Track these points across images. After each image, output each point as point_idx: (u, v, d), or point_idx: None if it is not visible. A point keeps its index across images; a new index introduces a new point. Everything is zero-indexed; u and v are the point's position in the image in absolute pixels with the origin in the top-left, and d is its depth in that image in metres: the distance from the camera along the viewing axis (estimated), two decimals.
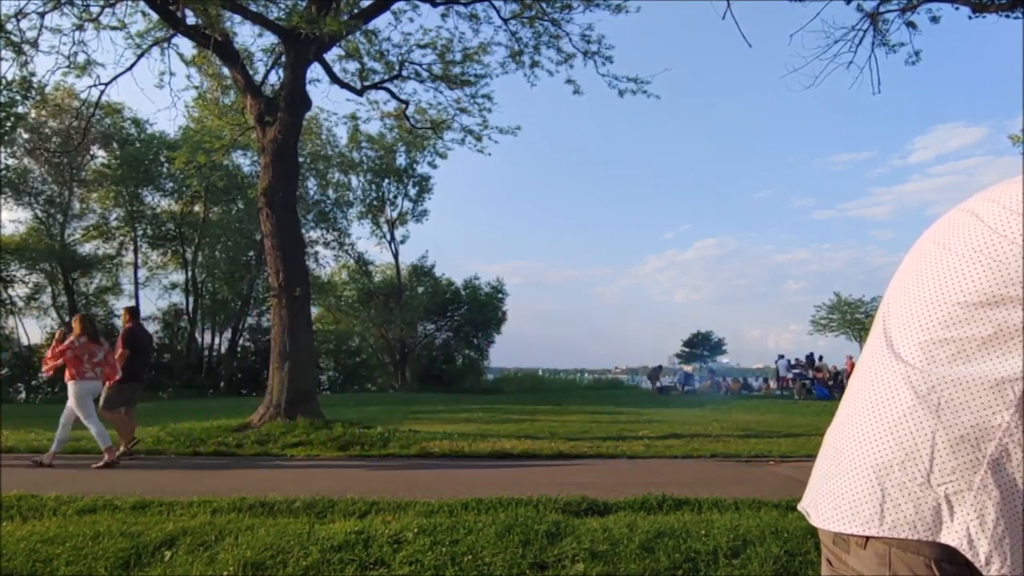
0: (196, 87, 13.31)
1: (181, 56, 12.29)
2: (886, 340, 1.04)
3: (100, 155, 26.49)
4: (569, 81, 12.72)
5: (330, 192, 28.96)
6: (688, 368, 35.03)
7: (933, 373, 0.95)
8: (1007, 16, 9.37)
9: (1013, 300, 0.90)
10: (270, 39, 11.88)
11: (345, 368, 32.25)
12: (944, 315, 0.96)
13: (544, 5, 11.68)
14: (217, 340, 29.73)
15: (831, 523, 1.01)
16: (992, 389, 0.89)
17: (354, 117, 16.42)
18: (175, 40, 11.49)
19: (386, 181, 29.11)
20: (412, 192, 29.54)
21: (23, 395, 24.72)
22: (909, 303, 1.03)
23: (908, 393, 0.97)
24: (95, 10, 10.41)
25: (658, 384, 26.89)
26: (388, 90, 12.98)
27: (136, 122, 26.32)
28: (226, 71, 11.97)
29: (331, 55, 11.98)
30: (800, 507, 1.13)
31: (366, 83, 12.59)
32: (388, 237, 29.57)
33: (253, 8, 10.54)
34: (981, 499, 0.89)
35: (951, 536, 0.89)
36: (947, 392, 0.93)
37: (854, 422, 1.04)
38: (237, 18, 10.83)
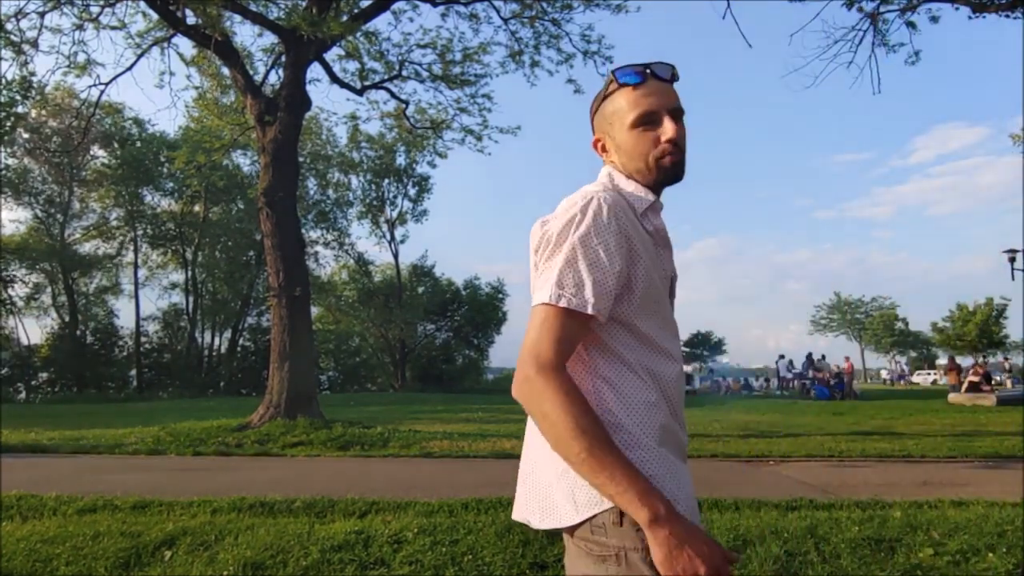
0: (196, 87, 13.32)
1: (181, 56, 12.29)
2: None
3: (100, 155, 26.52)
4: (569, 81, 12.74)
5: (330, 192, 28.98)
6: (688, 368, 35.04)
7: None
8: (1007, 16, 9.36)
9: None
10: (270, 39, 11.89)
11: (345, 368, 32.25)
12: None
13: (544, 5, 11.68)
14: (217, 340, 29.76)
15: (544, 522, 1.13)
16: None
17: (354, 117, 16.47)
18: (175, 40, 11.50)
19: (386, 181, 29.11)
20: (412, 192, 29.58)
21: (23, 395, 24.74)
22: None
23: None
24: (95, 10, 10.41)
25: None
26: (388, 90, 13.00)
27: (136, 122, 26.34)
28: (226, 71, 11.97)
29: (331, 55, 11.99)
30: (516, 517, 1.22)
31: (366, 83, 12.59)
32: (388, 237, 29.59)
33: (253, 8, 10.54)
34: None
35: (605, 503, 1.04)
36: None
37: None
38: (237, 18, 10.83)
